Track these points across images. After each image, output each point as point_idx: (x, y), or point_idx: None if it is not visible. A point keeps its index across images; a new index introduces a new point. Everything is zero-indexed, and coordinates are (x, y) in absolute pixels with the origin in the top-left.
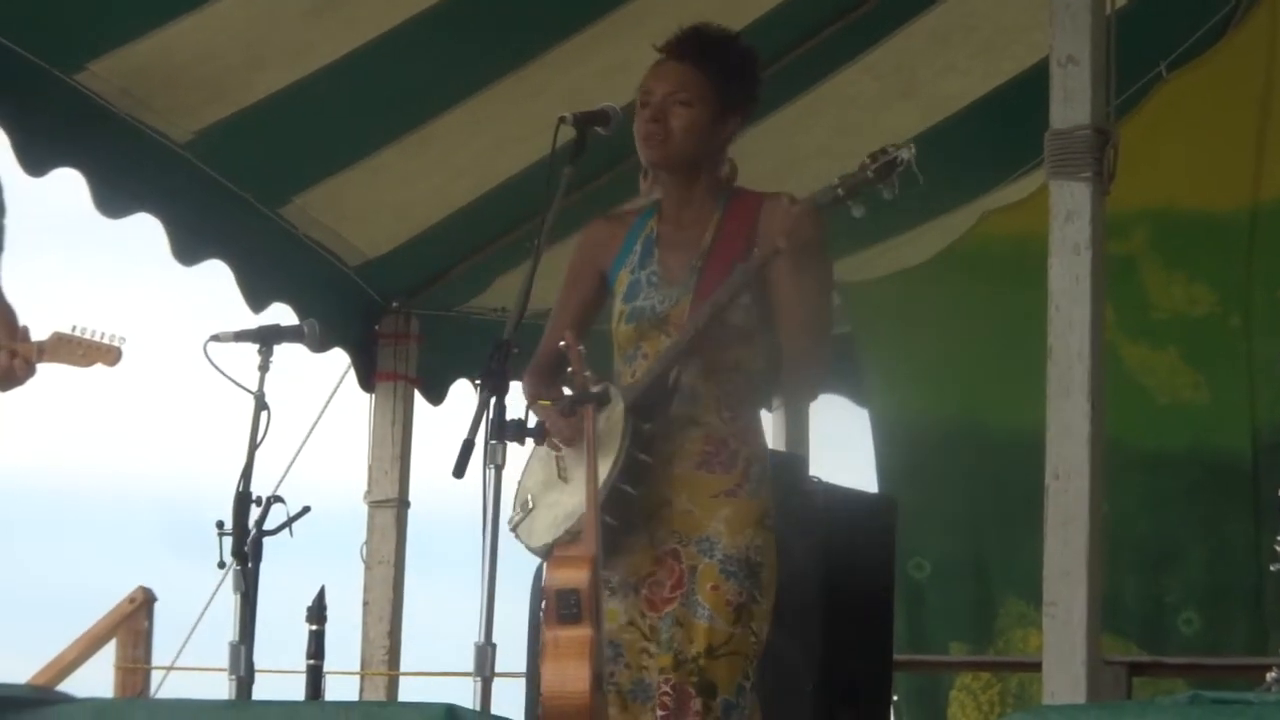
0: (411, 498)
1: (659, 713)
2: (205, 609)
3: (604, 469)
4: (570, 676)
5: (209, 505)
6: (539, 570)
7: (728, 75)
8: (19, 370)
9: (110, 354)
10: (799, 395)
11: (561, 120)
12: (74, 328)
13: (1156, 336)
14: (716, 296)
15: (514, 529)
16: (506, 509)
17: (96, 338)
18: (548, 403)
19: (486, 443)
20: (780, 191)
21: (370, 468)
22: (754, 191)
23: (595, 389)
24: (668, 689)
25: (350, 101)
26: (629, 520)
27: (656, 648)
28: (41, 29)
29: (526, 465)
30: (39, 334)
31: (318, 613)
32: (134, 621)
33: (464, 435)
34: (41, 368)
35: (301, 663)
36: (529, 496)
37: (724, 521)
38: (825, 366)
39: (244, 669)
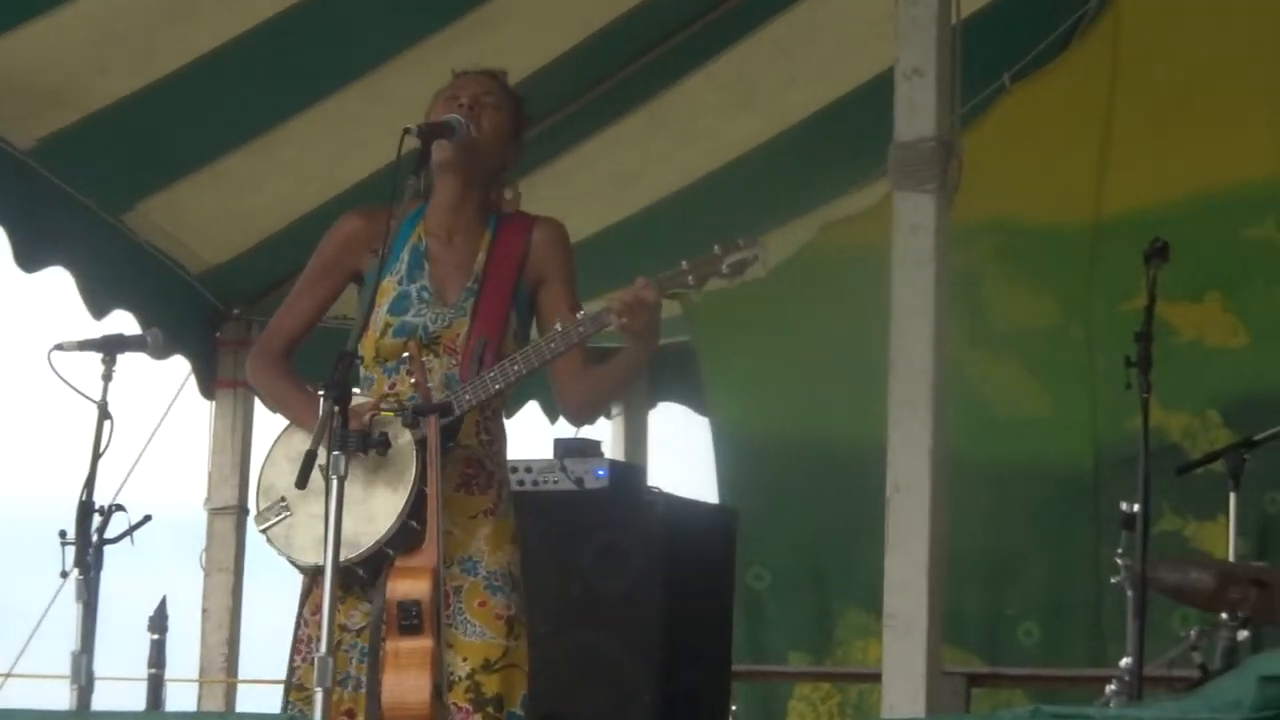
0: (251, 505)
1: None
2: (43, 617)
3: (396, 503)
4: (411, 688)
5: (50, 513)
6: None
7: (517, 103)
8: None
9: None
10: (585, 418)
11: (406, 131)
12: None
13: (999, 349)
14: (554, 348)
15: (264, 530)
16: (348, 520)
17: None
18: (390, 413)
19: (330, 453)
20: (548, 216)
21: (210, 475)
22: (521, 213)
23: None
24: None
25: (193, 109)
26: (410, 551)
27: None
28: None
29: (270, 458)
30: None
31: (159, 622)
32: None
33: (306, 446)
34: None
35: (142, 670)
36: (282, 498)
37: (485, 540)
38: (612, 390)
39: (84, 678)
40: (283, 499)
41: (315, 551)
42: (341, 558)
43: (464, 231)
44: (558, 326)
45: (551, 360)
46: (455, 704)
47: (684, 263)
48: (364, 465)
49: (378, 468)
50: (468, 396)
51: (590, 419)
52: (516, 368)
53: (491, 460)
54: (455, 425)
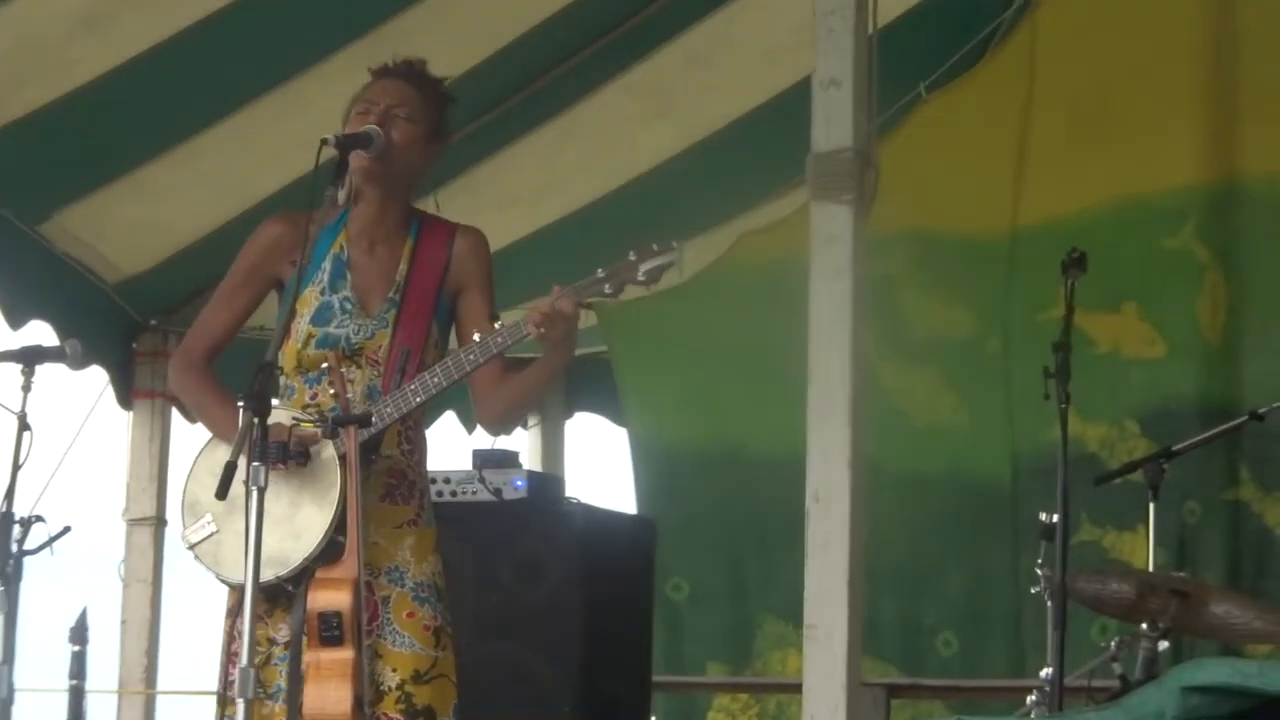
0: (169, 515)
1: None
2: None
3: (323, 519)
4: (332, 699)
5: None
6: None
7: (439, 104)
8: None
9: None
10: (502, 427)
11: (324, 142)
12: None
13: (916, 359)
14: (473, 359)
15: (192, 546)
16: (274, 537)
17: None
18: (309, 424)
19: (249, 465)
20: (468, 225)
21: (128, 485)
22: (443, 220)
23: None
24: None
25: (110, 118)
26: (335, 564)
27: None
28: None
29: (193, 473)
30: None
31: (79, 634)
32: None
33: (226, 457)
34: None
35: (60, 681)
36: (208, 515)
37: (409, 550)
38: (529, 398)
39: (4, 690)
40: (209, 515)
41: (244, 568)
42: (270, 575)
43: (385, 240)
44: (476, 338)
45: (471, 371)
46: (386, 714)
47: (600, 271)
48: (288, 481)
49: (302, 483)
50: (389, 410)
51: (507, 428)
52: (436, 380)
53: (413, 470)
54: (377, 438)
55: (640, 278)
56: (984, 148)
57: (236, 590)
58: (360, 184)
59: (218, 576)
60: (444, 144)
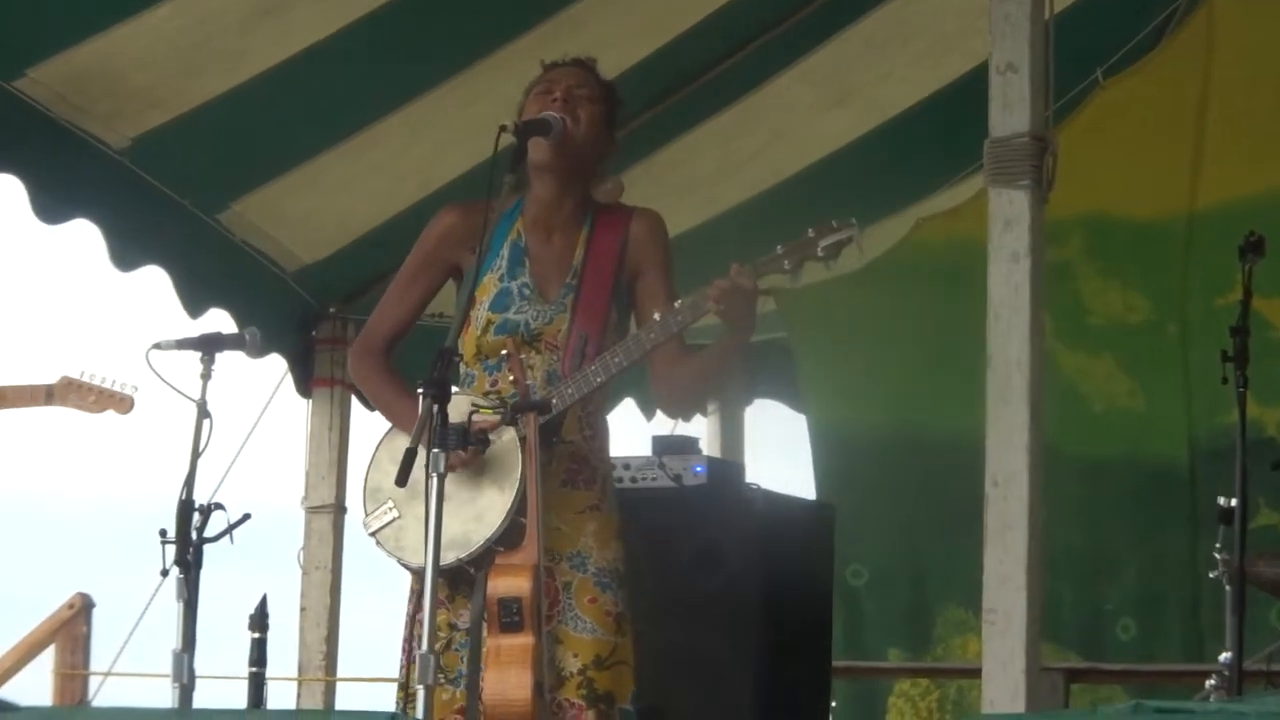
0: (349, 503)
1: None
2: (142, 615)
3: (504, 501)
4: (512, 684)
5: (151, 512)
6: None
7: (613, 97)
8: None
9: (124, 403)
10: (682, 409)
11: (503, 129)
12: (82, 373)
13: (1093, 344)
14: (653, 338)
15: (374, 533)
16: (457, 520)
17: (108, 384)
18: (488, 411)
19: (430, 451)
20: (645, 207)
21: (307, 473)
22: (620, 206)
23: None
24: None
25: (287, 107)
26: (515, 549)
27: None
28: None
29: (374, 460)
30: (45, 376)
31: (260, 620)
32: (72, 627)
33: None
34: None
35: (241, 668)
36: (389, 500)
37: (592, 536)
38: (709, 379)
39: (186, 676)
40: (390, 501)
41: (424, 553)
42: (453, 558)
43: (562, 227)
44: (656, 317)
45: (651, 351)
46: (568, 699)
47: (780, 247)
48: (470, 465)
49: (484, 466)
50: (570, 391)
51: (687, 410)
52: (618, 360)
53: (595, 455)
54: (558, 421)
55: (819, 254)
56: (1161, 132)
57: (418, 575)
58: (538, 170)
59: (399, 561)
60: (615, 142)
